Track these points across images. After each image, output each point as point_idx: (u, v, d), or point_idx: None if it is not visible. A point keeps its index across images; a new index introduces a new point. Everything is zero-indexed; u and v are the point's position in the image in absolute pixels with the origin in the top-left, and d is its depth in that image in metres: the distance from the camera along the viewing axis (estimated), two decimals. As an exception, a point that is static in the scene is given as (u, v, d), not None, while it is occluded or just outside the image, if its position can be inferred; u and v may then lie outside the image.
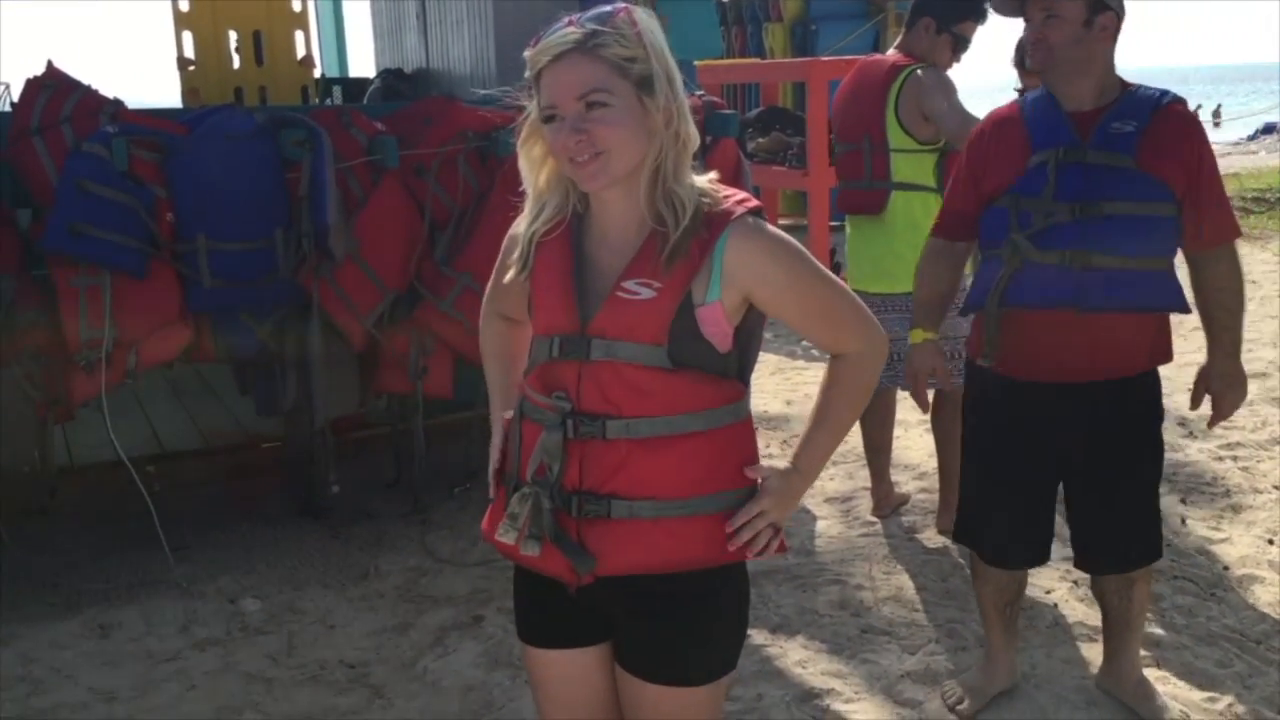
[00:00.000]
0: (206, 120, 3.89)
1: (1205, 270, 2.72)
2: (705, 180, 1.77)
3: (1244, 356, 2.82)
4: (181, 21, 6.49)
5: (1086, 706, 3.01)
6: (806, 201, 8.93)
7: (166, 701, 3.19)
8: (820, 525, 4.30)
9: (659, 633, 1.82)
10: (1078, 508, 2.85)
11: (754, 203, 1.77)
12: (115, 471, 3.92)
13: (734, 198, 1.76)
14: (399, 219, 3.96)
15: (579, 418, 1.74)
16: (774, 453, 5.11)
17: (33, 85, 3.90)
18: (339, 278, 3.82)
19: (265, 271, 3.79)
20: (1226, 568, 3.79)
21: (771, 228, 1.77)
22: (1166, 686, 3.09)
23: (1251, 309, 7.10)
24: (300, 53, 6.81)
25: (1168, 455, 4.68)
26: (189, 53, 6.57)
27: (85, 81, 4.01)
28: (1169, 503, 4.29)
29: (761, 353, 5.83)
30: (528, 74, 1.72)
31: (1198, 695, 3.06)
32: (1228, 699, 3.03)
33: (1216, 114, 38.72)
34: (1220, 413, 2.83)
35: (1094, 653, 3.28)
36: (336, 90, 8.56)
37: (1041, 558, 2.95)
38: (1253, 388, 5.47)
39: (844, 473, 4.82)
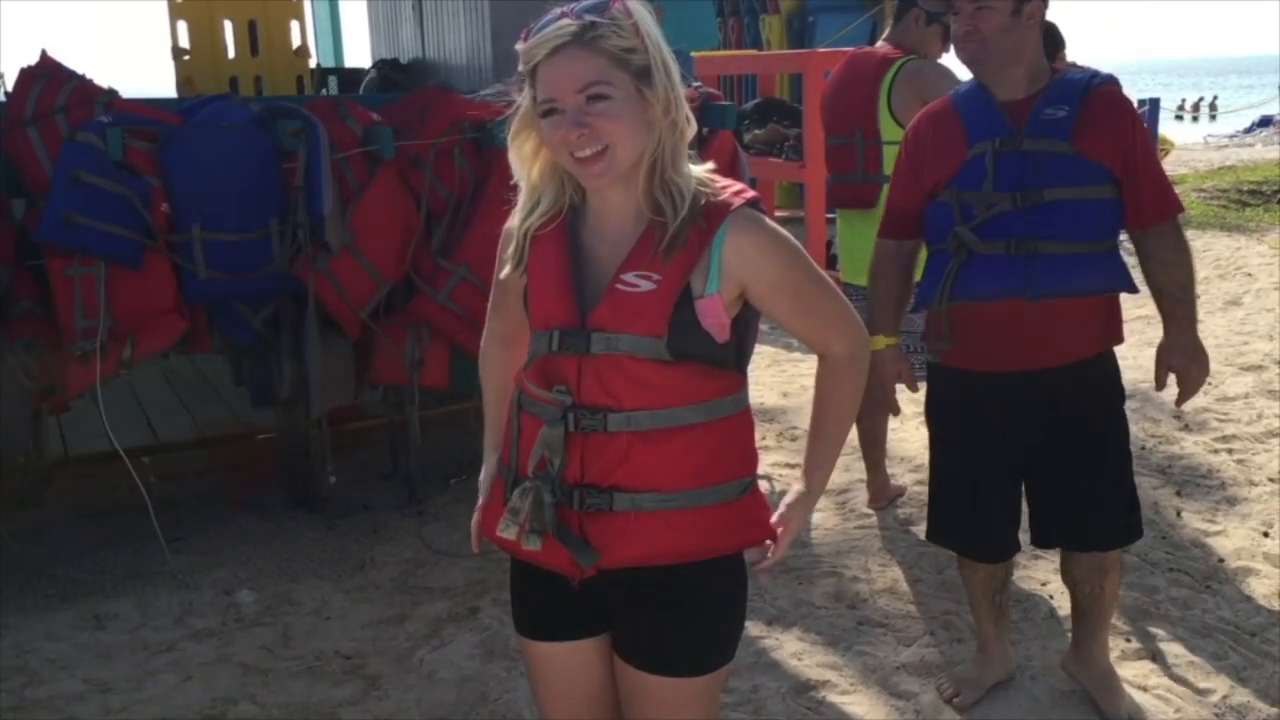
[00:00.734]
0: (202, 110, 3.88)
1: (1152, 247, 2.72)
2: (702, 170, 1.76)
3: (1240, 349, 2.82)
4: (176, 11, 6.45)
5: (1083, 700, 3.01)
6: (803, 193, 8.91)
7: (162, 692, 3.19)
8: (816, 518, 4.30)
9: (658, 624, 1.82)
10: (1051, 493, 2.84)
11: (751, 194, 1.77)
12: (110, 463, 3.92)
13: (731, 189, 1.75)
14: (395, 210, 3.95)
15: (580, 411, 1.73)
16: (770, 444, 5.11)
17: (27, 75, 3.89)
18: (335, 268, 3.81)
19: (261, 262, 3.79)
20: (1222, 560, 3.80)
21: (770, 222, 1.77)
22: (1161, 679, 3.10)
23: (1248, 302, 7.11)
24: (296, 43, 6.77)
25: (1164, 449, 4.73)
26: (184, 42, 6.54)
27: (80, 71, 3.99)
28: (1164, 495, 4.30)
29: (758, 345, 5.83)
30: (521, 68, 1.70)
31: (1193, 688, 3.06)
32: (1223, 691, 3.04)
33: (1213, 106, 38.76)
34: (1186, 389, 2.83)
35: (1089, 645, 3.28)
36: (332, 80, 8.53)
37: (1015, 547, 2.95)
38: (1248, 380, 5.51)
39: (840, 465, 4.81)
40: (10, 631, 3.51)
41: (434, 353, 3.99)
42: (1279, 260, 8.26)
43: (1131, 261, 2.71)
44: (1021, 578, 3.65)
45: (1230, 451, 4.75)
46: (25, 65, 3.94)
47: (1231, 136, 25.42)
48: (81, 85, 3.90)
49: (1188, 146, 21.18)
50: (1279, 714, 2.94)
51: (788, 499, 1.90)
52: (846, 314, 1.84)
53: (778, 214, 9.89)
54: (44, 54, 4.03)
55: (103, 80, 4.04)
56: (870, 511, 4.30)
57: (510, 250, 1.83)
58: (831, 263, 7.99)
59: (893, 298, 2.92)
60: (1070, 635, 3.33)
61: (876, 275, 2.93)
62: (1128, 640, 3.30)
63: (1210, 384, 5.43)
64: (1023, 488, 2.90)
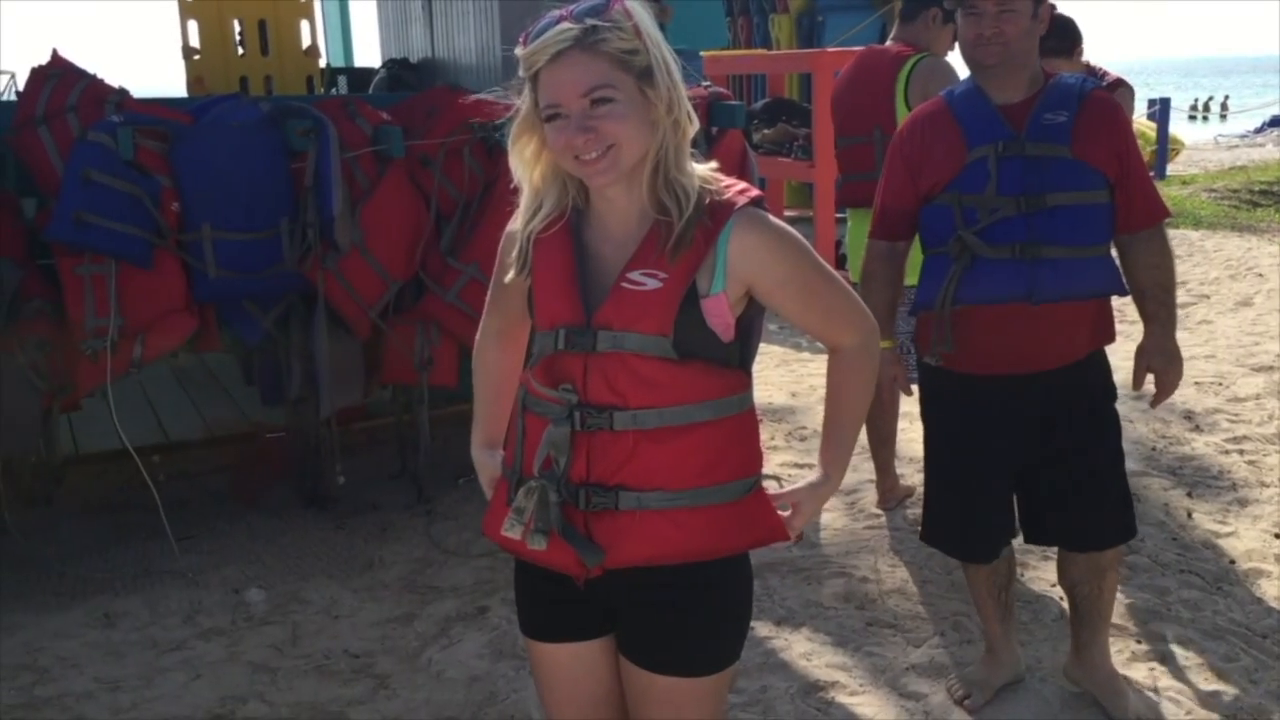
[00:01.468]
0: (212, 109, 3.89)
1: (1138, 251, 2.76)
2: (706, 169, 1.76)
3: (1251, 350, 2.83)
4: (187, 10, 6.47)
5: (1093, 702, 3.00)
6: (812, 193, 8.90)
7: (171, 691, 3.20)
8: (825, 518, 4.29)
9: (664, 623, 1.82)
10: (1046, 493, 2.84)
11: (755, 192, 1.76)
12: (121, 461, 3.93)
13: (735, 187, 1.75)
14: (404, 209, 3.95)
15: (586, 409, 1.73)
16: (779, 444, 5.11)
17: (38, 74, 3.91)
18: (344, 268, 3.82)
19: (270, 261, 3.80)
20: (1233, 562, 3.78)
21: (774, 220, 1.77)
22: (1172, 681, 3.09)
23: (1259, 302, 7.08)
24: (306, 42, 6.79)
25: (1175, 450, 4.72)
26: (194, 42, 6.56)
27: (90, 70, 4.00)
28: (1175, 496, 4.28)
29: (766, 344, 5.84)
30: (522, 73, 1.69)
31: (1203, 690, 3.05)
32: (1233, 693, 3.03)
33: (1224, 106, 38.62)
34: (1164, 390, 2.86)
35: (1099, 646, 3.27)
36: (342, 80, 8.55)
37: (1006, 543, 2.96)
38: (1259, 381, 5.49)
39: (848, 465, 4.80)
40: (20, 629, 3.52)
41: (443, 352, 4.00)
42: (1290, 261, 8.23)
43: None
44: (1031, 579, 3.64)
45: (1241, 452, 4.73)
46: (36, 65, 3.95)
47: (1242, 136, 25.34)
48: (92, 85, 3.91)
49: (1198, 146, 21.12)
50: (1290, 716, 2.93)
51: (802, 482, 1.91)
52: (855, 306, 1.85)
53: (787, 214, 9.88)
54: (55, 54, 4.05)
55: (113, 80, 4.05)
56: (879, 512, 4.29)
57: (514, 254, 1.83)
58: (841, 262, 7.98)
59: (887, 299, 2.92)
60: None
61: (870, 277, 2.93)
62: (1138, 642, 3.29)
63: (1221, 384, 5.42)
64: (1012, 488, 2.91)
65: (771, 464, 4.89)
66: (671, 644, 1.83)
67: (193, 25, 6.56)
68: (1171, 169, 15.01)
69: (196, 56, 6.56)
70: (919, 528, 4.09)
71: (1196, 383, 2.93)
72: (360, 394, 4.20)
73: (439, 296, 3.93)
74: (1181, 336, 3.03)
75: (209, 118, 3.83)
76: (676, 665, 1.83)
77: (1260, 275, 7.89)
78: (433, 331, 3.94)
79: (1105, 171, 2.65)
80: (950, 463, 2.91)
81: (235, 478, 4.67)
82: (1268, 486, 4.39)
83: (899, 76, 3.90)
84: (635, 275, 1.72)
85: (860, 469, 4.69)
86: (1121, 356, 3.03)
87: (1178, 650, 3.24)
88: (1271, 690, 3.04)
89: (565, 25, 1.63)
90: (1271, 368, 5.66)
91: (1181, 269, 2.67)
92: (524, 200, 1.81)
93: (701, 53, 9.84)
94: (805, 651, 3.31)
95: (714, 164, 1.79)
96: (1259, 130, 26.23)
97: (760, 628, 3.42)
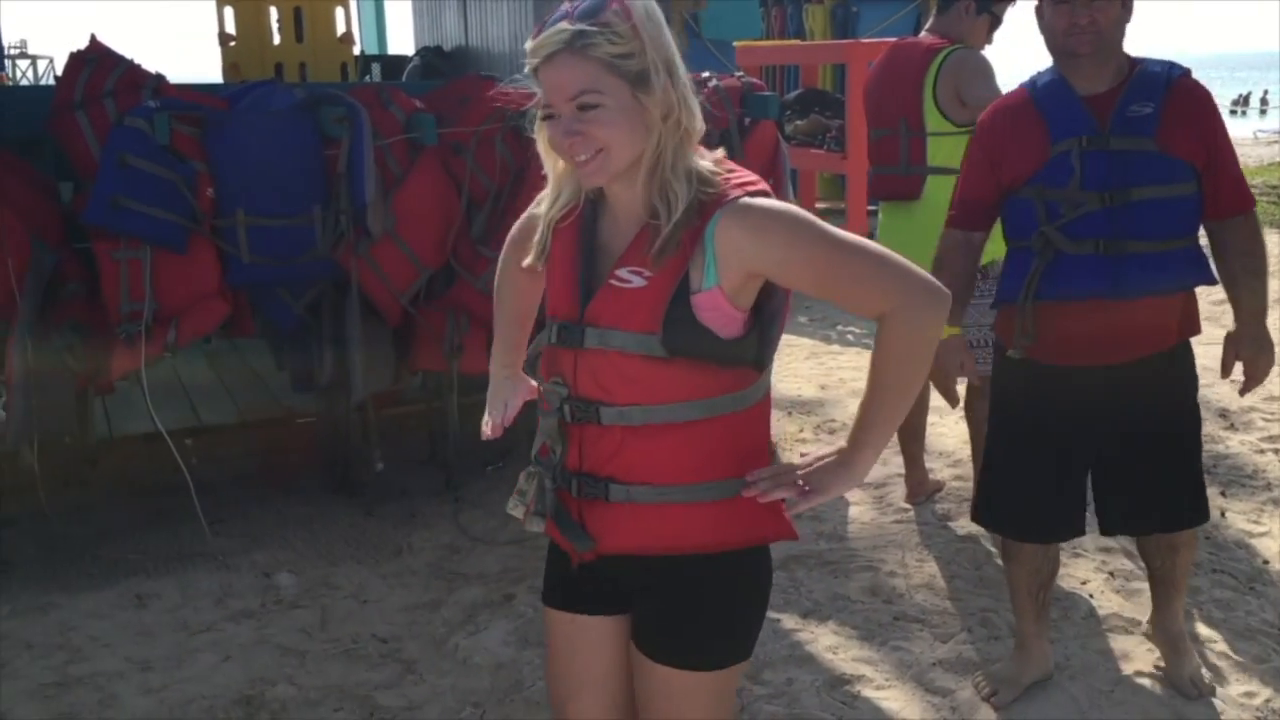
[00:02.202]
0: (247, 96, 3.91)
1: (1228, 238, 2.73)
2: (711, 163, 1.71)
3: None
4: (223, -2, 6.53)
5: (1122, 700, 2.98)
6: (844, 185, 8.86)
7: (201, 672, 3.23)
8: (853, 511, 4.28)
9: (667, 613, 1.82)
10: (1119, 481, 2.85)
11: (756, 184, 1.70)
12: (154, 444, 3.97)
13: (734, 181, 1.69)
14: (436, 197, 3.96)
15: (574, 402, 1.75)
16: (807, 437, 5.09)
17: (76, 59, 3.93)
18: (376, 255, 3.83)
19: (303, 248, 3.81)
20: (1266, 562, 3.74)
21: (765, 202, 1.67)
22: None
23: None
24: (340, 29, 6.84)
25: (1209, 448, 4.65)
26: (230, 28, 6.61)
27: (128, 56, 4.03)
28: (1209, 495, 4.23)
29: (795, 337, 5.81)
30: (526, 69, 1.69)
31: (1235, 690, 3.02)
32: (1266, 694, 3.00)
33: (1264, 101, 38.07)
34: (1254, 377, 2.83)
35: (1130, 645, 3.24)
36: (375, 67, 8.59)
37: (1067, 531, 2.94)
38: (1296, 380, 5.40)
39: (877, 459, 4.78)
40: (54, 609, 3.57)
41: (473, 340, 4.00)
42: (1330, 258, 8.10)
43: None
44: (1061, 576, 3.60)
45: (1276, 452, 4.68)
46: (75, 50, 3.98)
47: (1280, 131, 24.98)
48: (130, 70, 3.93)
49: (1238, 141, 20.67)
50: (1323, 719, 2.90)
51: (823, 459, 1.75)
52: (885, 271, 1.67)
53: (818, 206, 9.84)
54: (93, 39, 4.08)
55: (150, 66, 4.08)
56: (908, 506, 4.27)
57: (535, 239, 1.84)
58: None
59: (958, 288, 2.88)
60: (1111, 634, 3.31)
61: (942, 265, 2.89)
62: (1169, 641, 3.26)
63: (1257, 383, 5.34)
64: (1083, 479, 2.90)
65: (800, 456, 4.87)
66: (672, 634, 1.82)
67: (229, 12, 6.61)
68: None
69: (233, 43, 6.62)
70: (947, 522, 4.10)
71: (1231, 380, 2.92)
72: (390, 380, 4.22)
73: (470, 284, 3.94)
74: (1215, 334, 3.00)
75: (244, 104, 3.85)
76: (675, 655, 1.82)
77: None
78: (463, 319, 3.95)
79: (1192, 161, 2.62)
80: (1021, 446, 2.89)
81: (266, 462, 4.71)
82: (1303, 486, 4.33)
83: (929, 69, 3.86)
84: (622, 273, 1.70)
85: (889, 463, 4.67)
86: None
87: (1209, 650, 3.21)
88: (1304, 692, 3.00)
89: (560, 26, 1.62)
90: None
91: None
92: (549, 185, 1.83)
93: (735, 43, 9.82)
94: (831, 645, 3.30)
95: (720, 153, 1.74)
96: (1300, 125, 25.84)
97: (786, 620, 3.41)
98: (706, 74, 4.58)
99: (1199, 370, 2.87)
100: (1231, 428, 4.92)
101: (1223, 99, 26.07)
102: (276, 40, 6.68)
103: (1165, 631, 3.08)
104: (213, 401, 5.16)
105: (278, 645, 3.37)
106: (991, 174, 2.77)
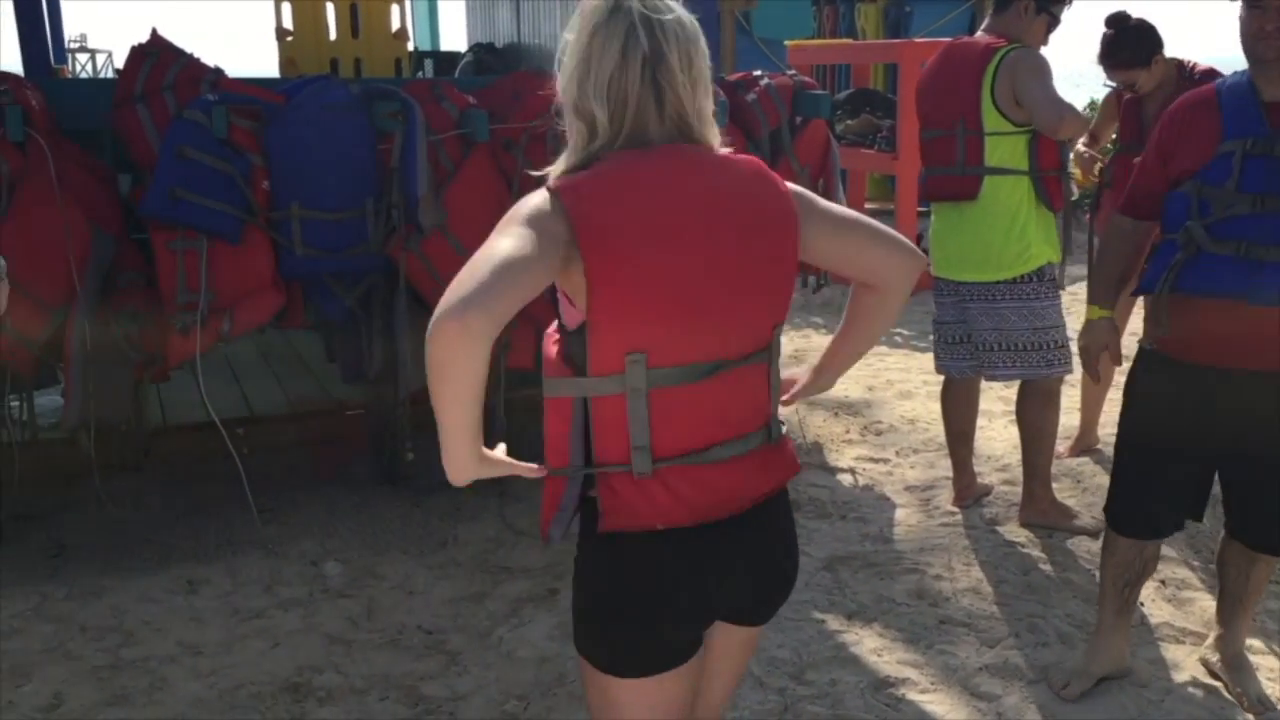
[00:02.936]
0: (303, 90, 3.95)
1: None
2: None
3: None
4: (281, -7, 6.61)
5: (1172, 711, 2.94)
6: (894, 186, 8.80)
7: (250, 658, 3.27)
8: (899, 514, 4.25)
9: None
10: (1237, 488, 2.83)
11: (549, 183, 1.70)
12: (206, 433, 4.02)
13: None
14: (487, 193, 3.98)
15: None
16: (854, 438, 5.06)
17: (137, 53, 4.00)
18: (427, 249, 3.86)
19: (355, 241, 3.85)
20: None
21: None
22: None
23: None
24: (395, 26, 6.89)
25: None
26: (287, 24, 6.69)
27: (187, 50, 4.09)
28: None
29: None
30: None
31: (1288, 704, 2.97)
32: (1320, 709, 2.94)
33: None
34: None
35: (1181, 654, 3.20)
36: (428, 63, 8.65)
37: (1162, 531, 2.94)
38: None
39: (924, 462, 4.75)
40: (108, 592, 3.63)
41: (520, 335, 4.01)
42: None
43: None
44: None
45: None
46: (136, 44, 4.05)
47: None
48: (189, 64, 3.99)
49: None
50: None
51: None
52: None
53: (868, 206, 9.78)
54: (154, 33, 4.14)
55: (209, 60, 4.14)
56: (955, 510, 4.24)
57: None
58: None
59: (1116, 272, 2.95)
60: (1162, 643, 3.26)
61: (1105, 249, 2.99)
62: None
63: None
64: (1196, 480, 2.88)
65: (846, 457, 4.85)
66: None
67: (286, 8, 6.69)
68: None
69: (289, 39, 6.69)
70: (995, 527, 4.06)
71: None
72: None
73: (519, 280, 3.96)
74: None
75: (300, 98, 3.89)
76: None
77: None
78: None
79: None
80: (1132, 437, 2.90)
81: (315, 453, 4.76)
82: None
83: (987, 69, 3.81)
84: None
85: (936, 465, 4.64)
86: None
87: (1259, 661, 3.15)
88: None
89: None
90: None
91: None
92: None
93: (787, 42, 9.77)
94: (876, 647, 3.28)
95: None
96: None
97: (831, 621, 3.40)
98: (758, 72, 4.57)
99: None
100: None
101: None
102: (332, 36, 6.74)
103: (1225, 649, 3.05)
104: (263, 391, 5.23)
105: (325, 633, 3.41)
106: (1161, 166, 2.77)
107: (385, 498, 4.39)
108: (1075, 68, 13.42)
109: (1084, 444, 4.75)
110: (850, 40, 11.23)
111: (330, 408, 5.01)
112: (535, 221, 1.64)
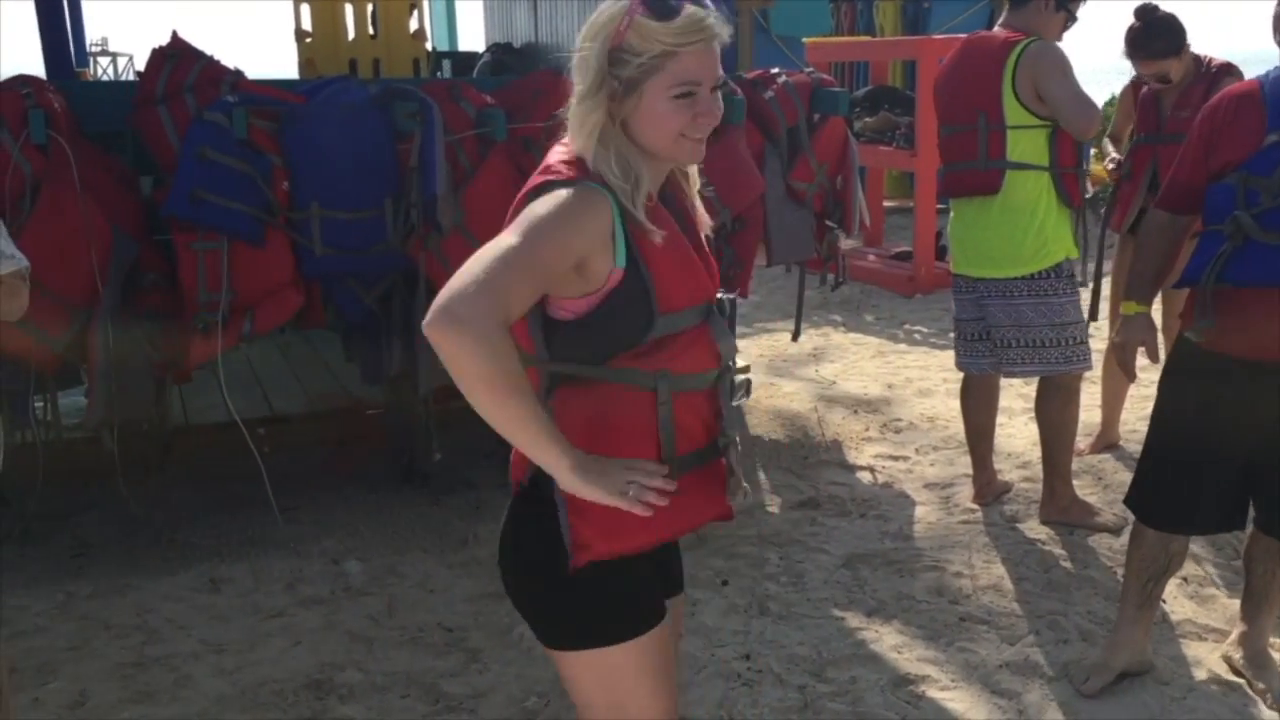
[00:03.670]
0: (322, 91, 3.97)
1: None
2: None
3: None
4: (299, -5, 6.65)
5: (1194, 708, 2.93)
6: (912, 183, 8.77)
7: (272, 656, 3.30)
8: (919, 511, 4.24)
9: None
10: (1268, 483, 2.78)
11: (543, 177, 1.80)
12: (227, 432, 4.05)
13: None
14: (506, 192, 3.92)
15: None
16: (873, 435, 5.05)
17: (158, 55, 4.02)
18: (446, 249, 3.87)
19: (374, 241, 3.86)
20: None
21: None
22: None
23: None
24: (413, 26, 6.91)
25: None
26: (306, 25, 6.72)
27: (207, 52, 4.12)
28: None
29: (863, 335, 5.75)
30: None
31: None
32: (1344, 707, 2.92)
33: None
34: None
35: (1202, 652, 3.19)
36: (446, 64, 8.67)
37: (1175, 525, 2.91)
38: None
39: (944, 459, 4.74)
40: (131, 590, 3.66)
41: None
42: None
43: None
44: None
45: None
46: (157, 46, 4.07)
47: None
48: (209, 66, 4.02)
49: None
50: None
51: None
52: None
53: (886, 204, 9.75)
54: (174, 35, 4.16)
55: (229, 61, 4.16)
56: (975, 507, 4.23)
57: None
58: (941, 254, 7.85)
59: (1155, 268, 2.92)
60: (1183, 640, 3.24)
61: (1144, 244, 2.95)
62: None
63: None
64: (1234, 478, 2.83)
65: (866, 455, 4.85)
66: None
67: (305, 9, 6.72)
68: None
69: (308, 39, 6.73)
70: (1015, 524, 4.05)
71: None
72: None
73: (538, 279, 3.97)
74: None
75: (319, 99, 3.91)
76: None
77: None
78: (530, 313, 3.97)
79: None
80: (1167, 430, 2.87)
81: (336, 452, 4.78)
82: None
83: (1007, 63, 3.79)
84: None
85: (956, 463, 4.63)
86: None
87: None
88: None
89: (722, 16, 1.72)
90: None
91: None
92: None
93: (805, 39, 9.75)
94: (896, 644, 3.28)
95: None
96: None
97: (851, 619, 3.40)
98: (775, 70, 4.57)
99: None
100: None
101: None
102: (351, 36, 6.77)
103: (1246, 647, 3.03)
104: (284, 391, 5.25)
105: (346, 631, 3.43)
106: (1204, 159, 2.75)
107: (405, 497, 4.41)
108: (1096, 65, 13.35)
109: (1105, 440, 4.73)
110: (868, 37, 11.21)
111: (350, 407, 5.02)
112: (575, 213, 1.72)
